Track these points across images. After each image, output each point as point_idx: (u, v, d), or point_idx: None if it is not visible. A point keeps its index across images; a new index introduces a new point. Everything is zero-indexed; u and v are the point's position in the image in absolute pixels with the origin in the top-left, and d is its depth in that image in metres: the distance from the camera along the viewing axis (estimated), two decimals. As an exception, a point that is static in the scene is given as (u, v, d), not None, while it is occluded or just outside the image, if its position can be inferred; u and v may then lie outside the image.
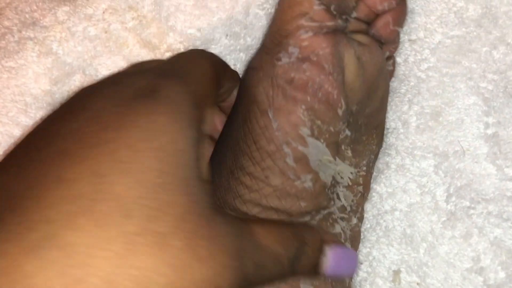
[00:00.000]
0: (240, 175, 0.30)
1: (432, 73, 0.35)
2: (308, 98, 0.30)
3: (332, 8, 0.31)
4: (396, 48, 0.36)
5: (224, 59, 0.37)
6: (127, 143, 0.19)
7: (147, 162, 0.19)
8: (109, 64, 0.36)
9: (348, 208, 0.32)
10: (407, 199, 0.33)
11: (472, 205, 0.32)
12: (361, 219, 0.33)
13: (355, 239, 0.32)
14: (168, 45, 0.37)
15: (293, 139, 0.30)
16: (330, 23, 0.31)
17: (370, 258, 0.34)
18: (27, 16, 0.36)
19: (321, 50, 0.30)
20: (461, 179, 0.33)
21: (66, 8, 0.36)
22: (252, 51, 0.37)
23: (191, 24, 0.37)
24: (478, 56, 0.34)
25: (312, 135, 0.30)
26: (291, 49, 0.31)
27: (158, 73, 0.23)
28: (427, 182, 0.33)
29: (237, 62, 0.37)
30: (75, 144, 0.19)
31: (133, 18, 0.36)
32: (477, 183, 0.33)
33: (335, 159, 0.31)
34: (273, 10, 0.37)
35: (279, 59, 0.31)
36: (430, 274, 0.32)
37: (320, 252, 0.26)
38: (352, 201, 0.32)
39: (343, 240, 0.31)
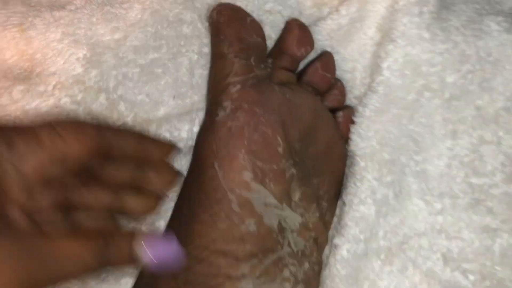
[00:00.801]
0: (192, 222, 0.33)
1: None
2: (246, 142, 0.33)
3: (252, 60, 0.36)
4: (341, 100, 0.39)
5: (173, 117, 0.39)
6: None
7: None
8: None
9: (299, 253, 0.34)
10: (350, 243, 0.36)
11: (405, 240, 0.35)
12: (316, 263, 0.35)
13: (309, 283, 0.35)
14: (119, 113, 0.39)
15: (237, 186, 0.33)
16: (252, 74, 0.35)
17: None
18: (-18, 95, 0.39)
19: (250, 98, 0.34)
20: (395, 217, 0.36)
21: (21, 87, 0.39)
22: (200, 110, 0.40)
23: (139, 90, 0.40)
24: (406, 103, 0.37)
25: (256, 178, 0.33)
26: (225, 103, 0.35)
27: None
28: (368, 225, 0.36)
29: (184, 124, 0.38)
30: None
31: (80, 91, 0.39)
32: (409, 219, 0.36)
33: (281, 204, 0.34)
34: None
35: (217, 115, 0.35)
36: (373, 308, 0.35)
37: (131, 241, 0.28)
38: (305, 246, 0.34)
39: (292, 284, 0.34)
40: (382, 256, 0.35)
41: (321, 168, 0.36)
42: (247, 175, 0.33)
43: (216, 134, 0.34)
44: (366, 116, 0.37)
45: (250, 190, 0.33)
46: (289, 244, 0.34)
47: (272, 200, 0.33)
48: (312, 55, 0.40)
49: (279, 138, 0.34)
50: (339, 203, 0.38)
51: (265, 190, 0.33)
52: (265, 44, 0.39)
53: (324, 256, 0.36)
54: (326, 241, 0.36)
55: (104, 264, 0.28)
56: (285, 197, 0.34)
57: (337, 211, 0.37)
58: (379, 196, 0.35)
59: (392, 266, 0.35)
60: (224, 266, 0.32)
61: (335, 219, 0.37)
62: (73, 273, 0.27)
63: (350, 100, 0.40)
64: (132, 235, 0.29)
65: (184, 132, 0.38)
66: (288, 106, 0.35)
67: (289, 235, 0.34)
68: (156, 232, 0.31)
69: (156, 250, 0.29)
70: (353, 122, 0.38)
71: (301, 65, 0.40)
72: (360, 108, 0.38)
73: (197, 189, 0.34)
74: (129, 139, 0.32)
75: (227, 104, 0.35)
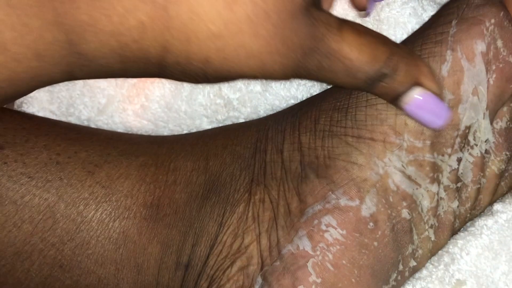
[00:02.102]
0: None
1: None
2: (501, 14, 0.29)
3: None
4: None
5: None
6: None
7: None
8: None
9: (458, 184, 0.30)
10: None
11: None
12: (460, 217, 0.31)
13: (441, 225, 0.30)
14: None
15: (461, 50, 0.29)
16: None
17: (440, 259, 0.31)
18: None
19: None
20: None
21: None
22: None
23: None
24: None
25: (484, 56, 0.29)
26: None
27: None
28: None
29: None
30: None
31: None
32: None
33: (486, 108, 0.29)
34: None
35: None
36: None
37: (408, 85, 0.27)
38: (467, 184, 0.30)
39: (429, 202, 0.29)
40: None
41: None
42: (479, 47, 0.29)
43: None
44: None
45: (471, 64, 0.29)
46: (458, 162, 0.29)
47: (482, 91, 0.29)
48: None
49: None
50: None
51: (484, 75, 0.29)
52: None
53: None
54: (485, 206, 0.31)
55: (370, 88, 0.27)
56: (493, 108, 0.29)
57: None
58: None
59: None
60: (387, 128, 0.29)
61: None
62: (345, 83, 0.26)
63: None
64: (415, 80, 0.27)
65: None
66: None
67: (465, 154, 0.30)
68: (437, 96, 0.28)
69: (423, 109, 0.28)
70: None
71: None
72: None
73: (420, 38, 0.30)
74: None
75: None
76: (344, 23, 0.26)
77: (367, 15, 0.34)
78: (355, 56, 0.25)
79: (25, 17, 0.21)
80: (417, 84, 0.27)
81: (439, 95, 0.28)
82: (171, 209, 0.31)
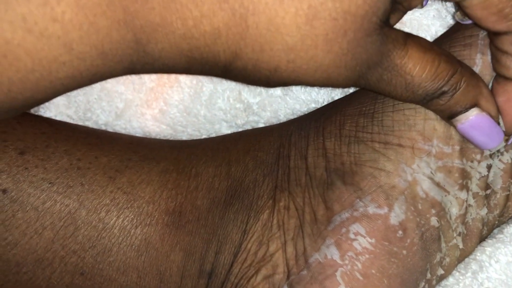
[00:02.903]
0: None
1: None
2: None
3: None
4: None
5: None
6: None
7: None
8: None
9: (487, 192, 0.29)
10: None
11: None
12: (489, 224, 0.30)
13: (469, 232, 0.30)
14: None
15: (480, 50, 0.28)
16: None
17: (467, 267, 0.31)
18: None
19: None
20: None
21: None
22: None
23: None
24: None
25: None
26: None
27: None
28: None
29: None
30: None
31: None
32: None
33: None
34: None
35: None
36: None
37: (466, 106, 0.27)
38: (496, 191, 0.29)
39: (457, 209, 0.29)
40: None
41: None
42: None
43: None
44: None
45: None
46: (488, 169, 0.29)
47: None
48: None
49: None
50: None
51: None
52: None
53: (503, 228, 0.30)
54: None
55: (426, 104, 0.27)
56: None
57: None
58: None
59: None
60: (415, 134, 0.29)
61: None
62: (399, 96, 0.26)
63: None
64: (474, 101, 0.27)
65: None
66: None
67: (495, 161, 0.29)
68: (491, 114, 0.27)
69: (475, 131, 0.27)
70: None
71: None
72: None
73: (447, 40, 0.30)
74: None
75: None
76: (409, 38, 0.25)
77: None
78: (417, 73, 0.25)
79: (93, 16, 0.21)
80: (475, 105, 0.27)
81: (495, 118, 0.27)
82: (194, 215, 0.30)
